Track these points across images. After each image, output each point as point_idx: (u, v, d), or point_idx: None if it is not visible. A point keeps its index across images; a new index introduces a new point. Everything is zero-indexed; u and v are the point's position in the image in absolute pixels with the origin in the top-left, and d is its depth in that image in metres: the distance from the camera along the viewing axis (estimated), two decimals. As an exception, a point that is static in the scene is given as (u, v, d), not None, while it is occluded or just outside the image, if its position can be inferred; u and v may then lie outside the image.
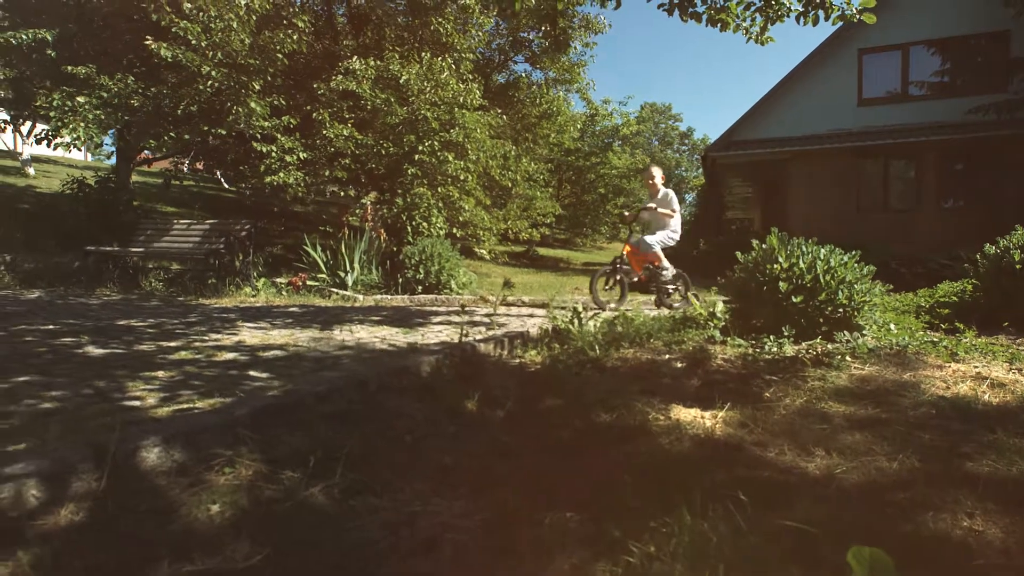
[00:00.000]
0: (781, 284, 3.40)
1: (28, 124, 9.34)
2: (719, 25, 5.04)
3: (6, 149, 22.14)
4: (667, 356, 3.11)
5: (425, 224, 7.63)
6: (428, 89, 8.09)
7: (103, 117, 6.64)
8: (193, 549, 1.12)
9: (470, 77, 9.17)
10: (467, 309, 5.71)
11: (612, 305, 5.29)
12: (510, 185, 9.48)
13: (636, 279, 5.78)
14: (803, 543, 1.11)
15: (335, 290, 7.09)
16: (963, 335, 3.40)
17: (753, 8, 5.01)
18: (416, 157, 7.93)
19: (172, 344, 3.35)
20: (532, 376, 2.75)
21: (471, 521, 1.26)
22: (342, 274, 7.17)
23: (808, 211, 14.73)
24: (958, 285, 5.14)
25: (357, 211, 8.07)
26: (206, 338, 3.60)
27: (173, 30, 6.53)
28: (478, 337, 3.38)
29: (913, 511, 1.28)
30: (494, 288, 7.83)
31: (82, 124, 6.47)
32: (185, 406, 2.05)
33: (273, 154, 7.44)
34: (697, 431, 1.89)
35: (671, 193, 5.75)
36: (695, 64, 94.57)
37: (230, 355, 3.01)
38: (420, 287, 7.07)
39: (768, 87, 18.08)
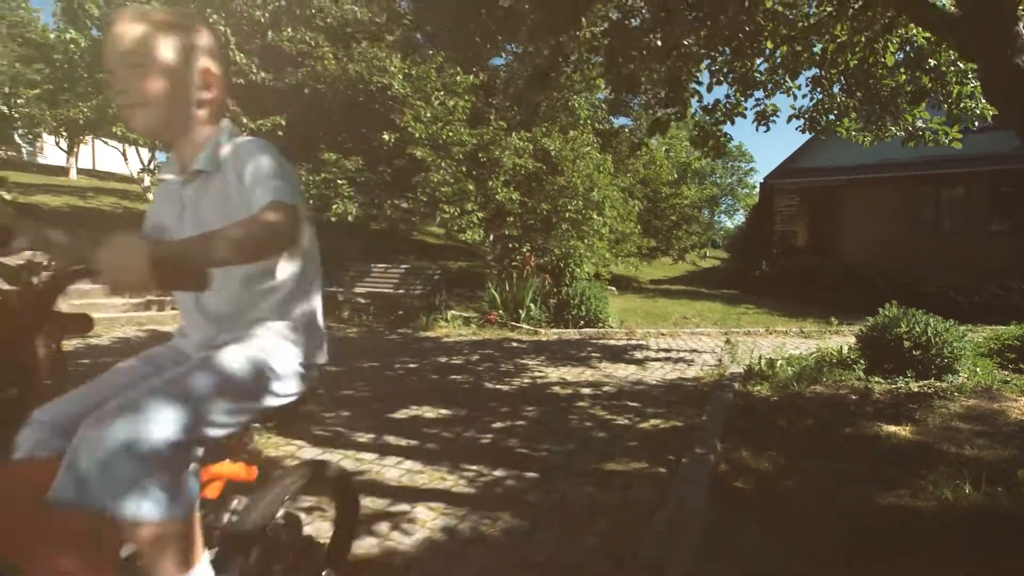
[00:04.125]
0: (905, 343, 5.40)
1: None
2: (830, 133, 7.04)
3: (129, 176, 25.01)
4: (840, 391, 5.14)
5: (578, 270, 9.78)
6: (573, 158, 10.23)
7: (352, 192, 8.97)
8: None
9: (595, 142, 11.28)
10: (643, 344, 7.83)
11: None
12: (627, 231, 11.59)
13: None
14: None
15: (515, 323, 9.24)
16: (1026, 376, 5.36)
17: (863, 129, 7.02)
18: (567, 215, 10.07)
19: (517, 381, 5.50)
20: (773, 402, 4.80)
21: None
22: (520, 311, 9.33)
23: (862, 236, 16.41)
24: (1015, 329, 7.00)
25: (518, 258, 10.26)
26: (531, 376, 5.76)
27: (408, 129, 8.81)
28: (727, 374, 5.44)
29: None
30: (632, 318, 9.92)
31: (344, 199, 8.82)
32: (659, 423, 4.16)
33: (455, 214, 9.65)
34: (901, 436, 3.92)
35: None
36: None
37: (586, 390, 5.14)
38: (582, 321, 9.19)
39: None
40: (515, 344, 7.87)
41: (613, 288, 11.38)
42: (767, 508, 2.64)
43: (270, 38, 9.90)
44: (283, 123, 9.88)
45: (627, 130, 14.28)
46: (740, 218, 29.31)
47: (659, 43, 5.35)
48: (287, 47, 9.69)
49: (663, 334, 8.90)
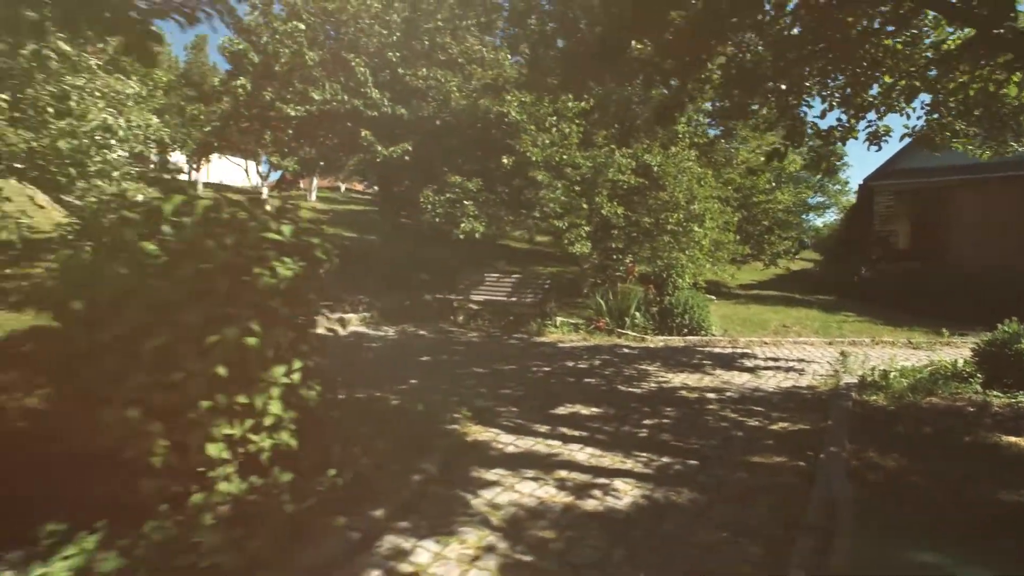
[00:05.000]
0: (1025, 358, 5.65)
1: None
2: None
3: (250, 187, 27.95)
4: (957, 403, 5.49)
5: (680, 280, 10.37)
6: (675, 173, 10.80)
7: (476, 211, 10.13)
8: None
9: (695, 156, 11.76)
10: (749, 353, 8.34)
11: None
12: (725, 241, 12.01)
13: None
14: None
15: (620, 330, 9.97)
16: None
17: (981, 145, 7.17)
18: (668, 227, 10.66)
19: (645, 385, 6.26)
20: (891, 411, 5.26)
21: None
22: (626, 319, 10.05)
23: (975, 241, 15.63)
24: None
25: (621, 268, 10.98)
26: (655, 380, 6.49)
27: (526, 154, 9.81)
28: (841, 384, 5.94)
29: None
30: (731, 326, 10.37)
31: (470, 218, 9.99)
32: (786, 425, 4.82)
33: (564, 226, 10.50)
34: (1022, 447, 4.33)
35: None
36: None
37: (711, 395, 5.83)
38: (685, 329, 9.77)
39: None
40: (626, 350, 8.61)
41: (712, 297, 11.83)
42: (901, 495, 3.27)
43: (400, 74, 11.25)
44: (410, 149, 11.16)
45: (723, 142, 14.56)
46: (831, 216, 28.20)
47: (782, 87, 5.90)
48: (420, 84, 10.98)
49: (766, 343, 9.31)
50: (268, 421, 2.89)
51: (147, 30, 2.49)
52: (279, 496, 2.95)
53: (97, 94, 8.08)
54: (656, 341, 9.43)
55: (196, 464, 2.73)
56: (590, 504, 3.19)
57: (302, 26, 11.06)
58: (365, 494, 3.10)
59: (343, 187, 38.25)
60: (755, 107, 7.02)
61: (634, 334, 9.82)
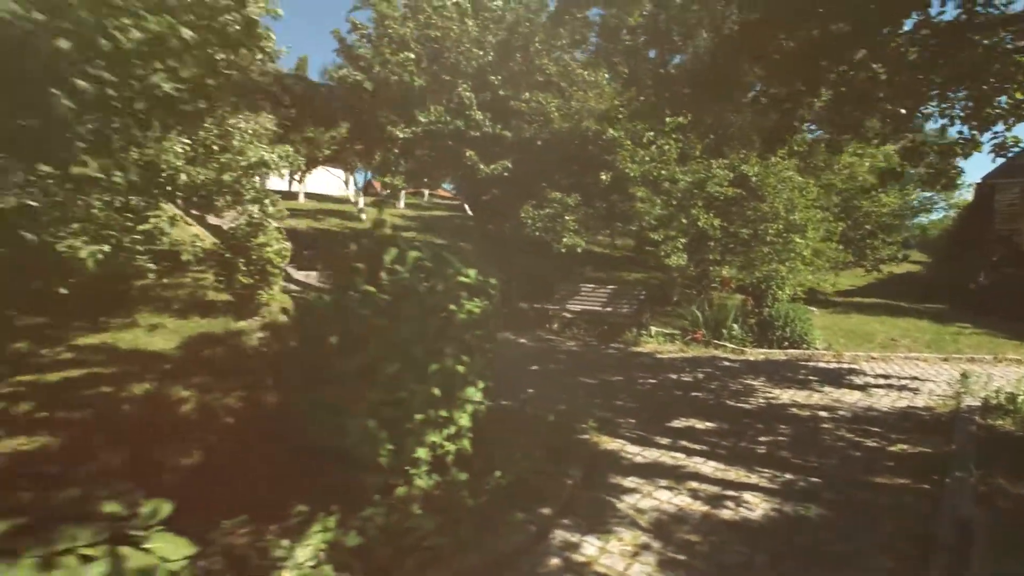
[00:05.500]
0: None
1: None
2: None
3: (346, 197, 30.01)
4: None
5: (780, 292, 10.35)
6: (774, 184, 10.75)
7: (576, 226, 10.69)
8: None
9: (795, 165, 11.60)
10: (856, 369, 8.28)
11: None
12: (826, 249, 11.77)
13: None
14: None
15: (717, 342, 10.11)
16: None
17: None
18: (767, 238, 10.65)
19: (752, 400, 6.48)
20: (1020, 436, 5.21)
21: None
22: (724, 331, 10.18)
23: (1121, 243, 14.14)
24: None
25: (717, 279, 11.08)
26: (763, 396, 6.71)
27: (625, 170, 10.23)
28: (963, 406, 5.91)
29: None
30: (833, 338, 10.21)
31: (570, 232, 10.59)
32: (906, 448, 4.97)
33: (660, 238, 10.75)
34: None
35: None
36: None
37: (823, 413, 5.99)
38: (786, 342, 9.76)
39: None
40: (727, 363, 8.79)
41: (814, 309, 11.64)
42: (1034, 523, 3.43)
43: (501, 96, 11.99)
44: (510, 166, 11.87)
45: (823, 147, 14.10)
46: (939, 214, 26.12)
47: (901, 111, 5.94)
48: (523, 107, 11.67)
49: (874, 358, 9.14)
50: (456, 430, 3.56)
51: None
52: (459, 492, 3.61)
53: (249, 132, 9.39)
54: (756, 354, 9.51)
55: (405, 464, 3.44)
56: (725, 513, 3.61)
57: (412, 56, 12.05)
58: (528, 494, 3.69)
59: (427, 193, 40.05)
60: (868, 123, 7.00)
61: (732, 346, 9.94)
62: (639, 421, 5.58)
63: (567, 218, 10.60)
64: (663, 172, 10.16)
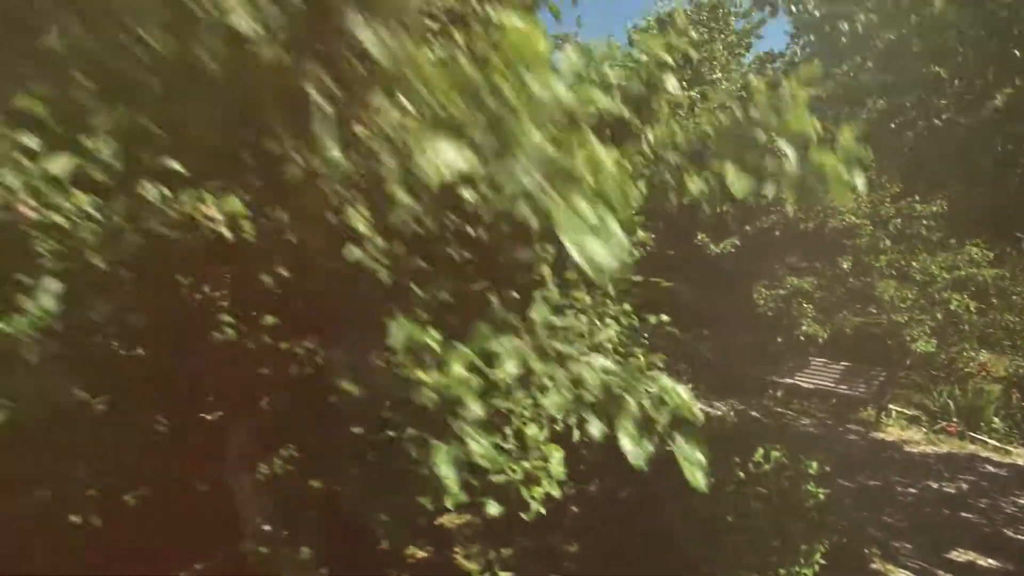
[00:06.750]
0: None
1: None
2: None
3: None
4: None
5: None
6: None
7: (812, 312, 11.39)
8: None
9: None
10: None
11: None
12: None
13: None
14: None
15: (973, 435, 9.93)
16: None
17: None
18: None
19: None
20: None
21: None
22: (981, 423, 9.99)
23: None
24: None
25: (972, 364, 10.79)
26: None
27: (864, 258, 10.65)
28: None
29: None
30: None
31: (808, 319, 11.34)
32: None
33: (904, 320, 10.75)
34: None
35: None
36: None
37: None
38: (1063, 444, 9.31)
39: None
40: (991, 468, 8.80)
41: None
42: None
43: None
44: (737, 243, 12.73)
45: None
46: None
47: None
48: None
49: None
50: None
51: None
52: None
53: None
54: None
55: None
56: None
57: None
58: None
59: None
60: None
61: (993, 443, 9.74)
62: (915, 547, 6.37)
63: (804, 304, 11.18)
64: (913, 264, 10.24)
